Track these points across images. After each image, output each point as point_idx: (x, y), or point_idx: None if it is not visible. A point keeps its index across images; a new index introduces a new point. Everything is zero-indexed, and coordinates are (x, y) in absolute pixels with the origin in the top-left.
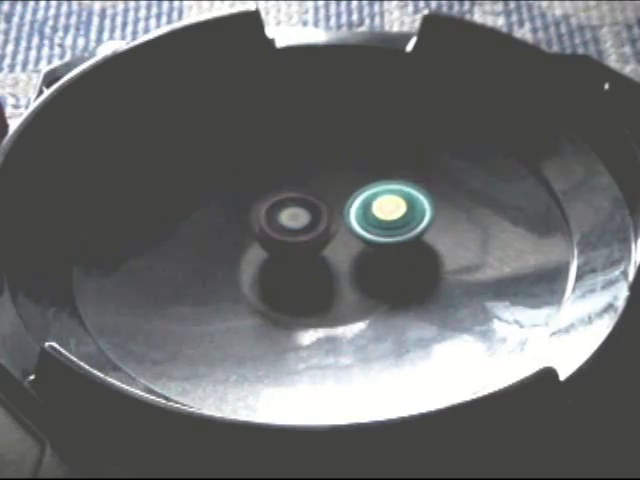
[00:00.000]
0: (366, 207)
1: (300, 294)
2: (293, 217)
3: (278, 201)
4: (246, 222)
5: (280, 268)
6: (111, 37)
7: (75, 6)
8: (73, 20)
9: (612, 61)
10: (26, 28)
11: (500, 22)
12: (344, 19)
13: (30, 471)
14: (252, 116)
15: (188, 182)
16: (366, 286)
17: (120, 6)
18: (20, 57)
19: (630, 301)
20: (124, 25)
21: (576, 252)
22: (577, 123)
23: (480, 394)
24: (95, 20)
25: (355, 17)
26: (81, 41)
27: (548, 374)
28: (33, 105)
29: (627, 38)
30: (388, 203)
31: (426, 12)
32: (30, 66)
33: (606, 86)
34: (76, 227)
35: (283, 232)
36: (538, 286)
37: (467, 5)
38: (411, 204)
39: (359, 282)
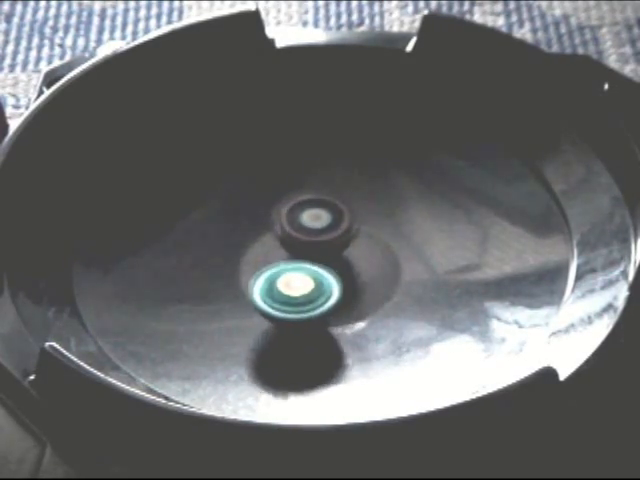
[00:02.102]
0: (272, 283)
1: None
2: (315, 217)
3: (299, 202)
4: (265, 224)
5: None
6: (111, 37)
7: (75, 6)
8: (73, 20)
9: (612, 61)
10: (26, 28)
11: (500, 22)
12: (344, 19)
13: (30, 471)
14: (252, 116)
15: (188, 182)
16: (365, 287)
17: (120, 6)
18: (20, 57)
19: (630, 301)
20: (124, 25)
21: (576, 252)
22: (577, 123)
23: (480, 394)
24: (95, 20)
25: (355, 17)
26: (81, 41)
27: (548, 374)
28: (33, 105)
29: (627, 38)
30: (295, 280)
31: (426, 12)
32: (30, 66)
33: (606, 86)
34: (76, 227)
35: (305, 232)
36: (538, 286)
37: (467, 5)
38: (318, 282)
39: (358, 285)
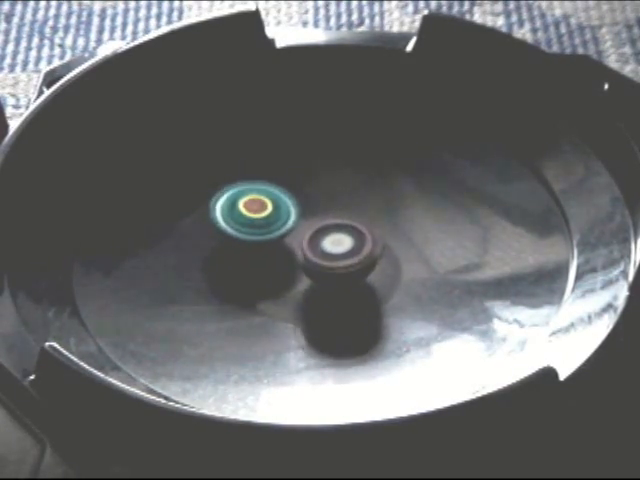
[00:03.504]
0: (232, 203)
1: (301, 294)
2: (336, 242)
3: (321, 228)
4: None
5: (280, 269)
6: (111, 37)
7: (75, 6)
8: (73, 20)
9: (612, 61)
10: (26, 28)
11: (500, 22)
12: (344, 19)
13: (30, 470)
14: (252, 116)
15: (188, 182)
16: (365, 287)
17: (120, 6)
18: (20, 57)
19: (630, 301)
20: (124, 25)
21: (576, 252)
22: (577, 123)
23: (480, 394)
24: (95, 20)
25: (355, 17)
26: (81, 41)
27: (548, 374)
28: (33, 105)
29: (627, 38)
30: (254, 202)
31: (426, 12)
32: (30, 66)
33: (606, 86)
34: (76, 227)
35: (328, 258)
36: (538, 286)
37: (467, 5)
38: (276, 205)
39: (359, 285)
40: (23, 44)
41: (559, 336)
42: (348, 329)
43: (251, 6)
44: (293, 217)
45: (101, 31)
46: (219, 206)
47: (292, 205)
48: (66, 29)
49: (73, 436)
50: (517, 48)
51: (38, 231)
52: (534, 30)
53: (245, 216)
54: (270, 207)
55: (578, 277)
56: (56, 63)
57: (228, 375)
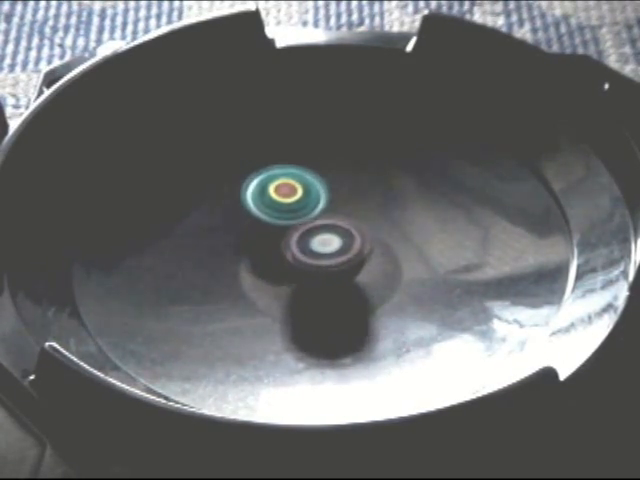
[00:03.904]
0: (263, 188)
1: (301, 294)
2: (325, 242)
3: (310, 228)
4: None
5: (280, 268)
6: (111, 37)
7: (75, 6)
8: (73, 20)
9: (612, 61)
10: (26, 28)
11: (500, 22)
12: (344, 19)
13: (30, 471)
14: (252, 116)
15: (188, 182)
16: (365, 287)
17: (120, 6)
18: (20, 57)
19: (630, 301)
20: (124, 25)
21: (576, 252)
22: (577, 123)
23: (480, 394)
24: (95, 20)
25: (355, 17)
26: (81, 41)
27: (548, 374)
28: (33, 105)
29: (627, 38)
30: (284, 186)
31: (426, 12)
32: (30, 66)
33: (606, 86)
34: (76, 227)
35: (315, 257)
36: (538, 286)
37: (467, 5)
38: (307, 189)
39: (359, 285)
40: (23, 44)
41: (559, 336)
42: (348, 329)
43: (251, 6)
44: (323, 201)
45: (101, 31)
46: (250, 190)
47: (322, 189)
48: (66, 29)
49: (73, 436)
50: (517, 48)
51: (38, 231)
52: (534, 30)
53: (275, 200)
54: (300, 191)
55: (578, 277)
56: (56, 63)
57: (228, 375)
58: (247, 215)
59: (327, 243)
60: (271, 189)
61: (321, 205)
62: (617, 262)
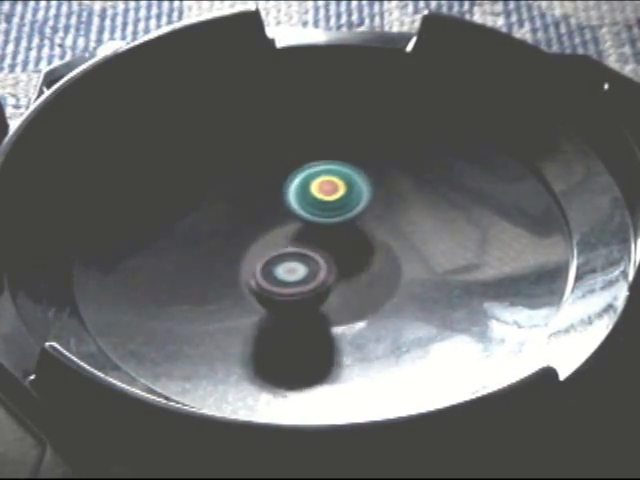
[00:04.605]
0: (305, 186)
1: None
2: (290, 271)
3: (274, 257)
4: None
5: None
6: (111, 37)
7: (75, 6)
8: (73, 20)
9: (612, 61)
10: (26, 28)
11: (500, 22)
12: (344, 19)
13: (30, 471)
14: (252, 116)
15: (188, 182)
16: (365, 287)
17: (120, 6)
18: (20, 57)
19: (629, 301)
20: (124, 25)
21: (576, 252)
22: (577, 123)
23: (479, 394)
24: (95, 20)
25: (355, 17)
26: (81, 41)
27: (548, 374)
28: (33, 105)
29: (626, 38)
30: (327, 184)
31: (426, 12)
32: (30, 66)
33: (606, 86)
34: (76, 227)
35: (280, 285)
36: (537, 286)
37: (467, 5)
38: (349, 186)
39: (358, 285)
40: (23, 44)
41: (559, 336)
42: (347, 329)
43: (251, 6)
44: (365, 198)
45: (101, 31)
46: (292, 189)
47: (365, 186)
48: (66, 29)
49: (73, 436)
50: (517, 48)
51: (38, 231)
52: (534, 30)
53: (318, 199)
54: (343, 188)
55: (578, 277)
56: (56, 63)
57: (228, 375)
58: (291, 214)
59: (292, 271)
60: (313, 187)
61: (364, 202)
62: (617, 262)
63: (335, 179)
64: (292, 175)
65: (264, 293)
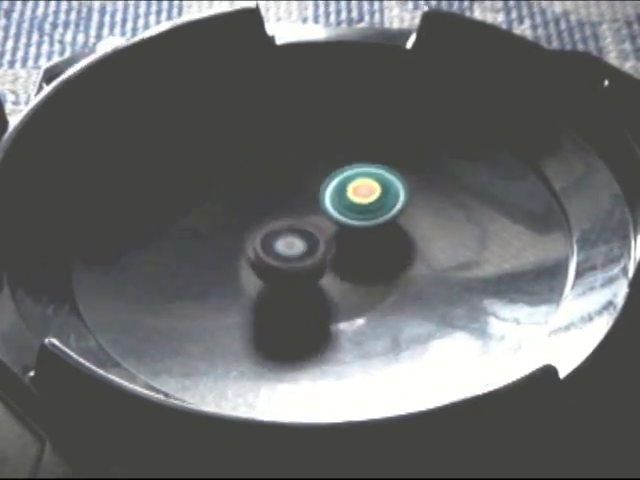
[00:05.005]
0: (341, 190)
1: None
2: (289, 245)
3: (273, 230)
4: (243, 253)
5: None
6: (111, 34)
7: (75, 3)
8: (73, 17)
9: (612, 58)
10: (26, 25)
11: (500, 19)
12: (344, 16)
13: (29, 468)
14: (252, 113)
15: (188, 179)
16: (365, 284)
17: (120, 3)
18: (20, 53)
19: (630, 298)
20: (124, 22)
21: (576, 249)
22: (577, 120)
23: (479, 391)
24: (95, 16)
25: (355, 14)
26: (81, 37)
27: (548, 371)
28: (33, 102)
29: (627, 35)
30: (363, 187)
31: (426, 9)
32: (30, 62)
33: (606, 83)
34: (76, 224)
35: (280, 259)
36: (537, 283)
37: (467, 2)
38: (385, 188)
39: (358, 282)
40: (23, 40)
41: (559, 334)
42: (347, 326)
43: (251, 3)
44: (402, 199)
45: (101, 27)
46: (328, 194)
47: (401, 187)
48: (66, 25)
49: (73, 433)
50: (517, 45)
51: (38, 228)
52: (534, 27)
53: (354, 202)
54: (379, 191)
55: (578, 275)
56: (56, 59)
57: (228, 372)
58: (328, 219)
59: (291, 246)
60: (349, 191)
61: (400, 203)
62: (617, 259)
63: (371, 181)
64: (327, 179)
65: (263, 265)
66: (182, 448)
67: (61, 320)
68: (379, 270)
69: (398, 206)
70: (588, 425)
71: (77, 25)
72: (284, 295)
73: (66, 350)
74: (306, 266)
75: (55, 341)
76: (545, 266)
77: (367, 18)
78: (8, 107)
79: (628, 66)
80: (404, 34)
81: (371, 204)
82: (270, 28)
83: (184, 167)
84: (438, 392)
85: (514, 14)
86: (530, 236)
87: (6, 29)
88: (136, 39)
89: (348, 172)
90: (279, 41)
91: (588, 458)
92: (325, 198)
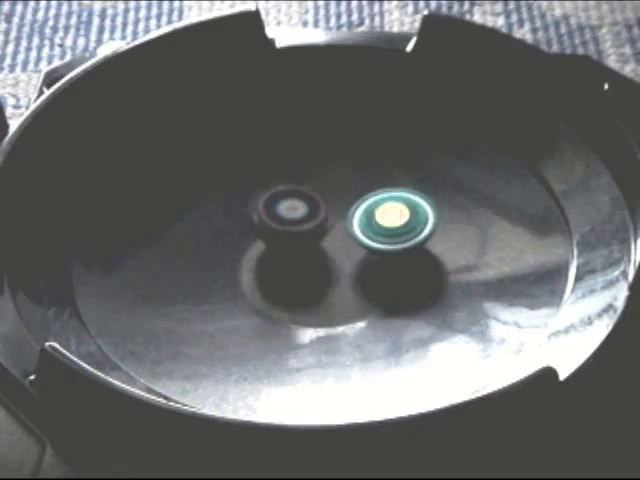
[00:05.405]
0: (369, 215)
1: (301, 294)
2: (291, 209)
3: (275, 193)
4: (245, 215)
5: (280, 267)
6: (111, 37)
7: (75, 6)
8: (73, 20)
9: (612, 61)
10: (26, 28)
11: (500, 22)
12: (344, 19)
13: (30, 471)
14: (252, 116)
15: (188, 182)
16: (366, 286)
17: (120, 6)
18: (20, 57)
19: (630, 301)
20: (124, 25)
21: (576, 252)
22: (577, 123)
23: (479, 394)
24: (95, 20)
25: (355, 17)
26: (81, 41)
27: (548, 374)
28: (33, 105)
29: (627, 38)
30: (391, 210)
31: (426, 12)
32: (30, 66)
33: (606, 86)
34: (76, 227)
35: (282, 222)
36: (537, 286)
37: (467, 5)
38: (414, 211)
39: (359, 282)
40: (23, 44)
41: (559, 337)
42: (347, 329)
43: (251, 6)
44: (432, 221)
45: (101, 31)
46: (356, 220)
47: (430, 209)
48: (66, 29)
49: (73, 436)
50: (517, 48)
51: (38, 231)
52: (534, 30)
53: (383, 226)
54: (407, 214)
55: (578, 277)
56: (56, 63)
57: (228, 375)
58: (357, 244)
59: (293, 209)
60: (378, 215)
61: (430, 225)
62: (617, 262)
63: (399, 205)
64: (355, 205)
65: (265, 228)
66: (183, 452)
67: (61, 324)
68: (378, 273)
69: (427, 229)
70: (588, 427)
71: (78, 29)
72: (285, 259)
73: (66, 354)
74: (307, 229)
75: (55, 345)
76: (545, 269)
77: (367, 22)
78: (9, 111)
79: (628, 69)
80: (404, 37)
81: (400, 228)
82: (270, 31)
83: (184, 170)
84: (438, 395)
85: (514, 17)
86: (530, 239)
87: (7, 33)
88: (136, 43)
89: (376, 197)
90: (279, 44)
91: (588, 459)
92: (353, 223)
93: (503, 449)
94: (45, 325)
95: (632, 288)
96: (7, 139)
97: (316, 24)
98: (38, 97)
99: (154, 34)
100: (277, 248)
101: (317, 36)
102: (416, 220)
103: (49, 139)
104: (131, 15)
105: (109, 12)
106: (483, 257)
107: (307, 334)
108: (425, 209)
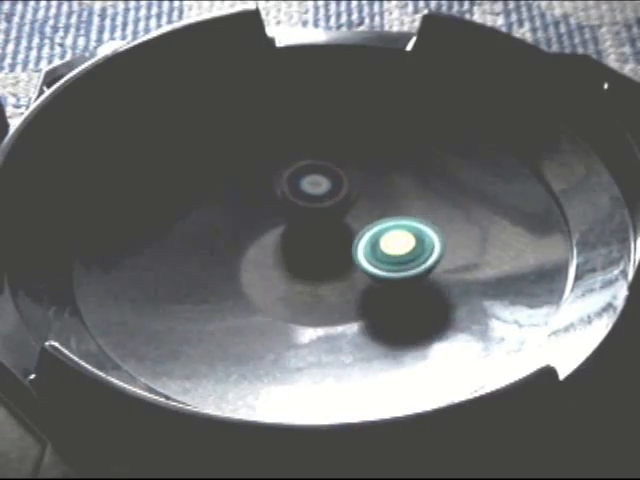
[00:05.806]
0: (374, 243)
1: (301, 295)
2: (314, 184)
3: (299, 168)
4: (273, 191)
5: (280, 266)
6: (111, 37)
7: (76, 6)
8: (74, 20)
9: (611, 61)
10: (27, 28)
11: (500, 22)
12: (344, 19)
13: (31, 470)
14: (252, 116)
15: (188, 181)
16: (366, 286)
17: (120, 6)
18: (21, 57)
19: (629, 300)
20: (124, 25)
21: (575, 251)
22: (576, 123)
23: (479, 393)
24: (96, 20)
25: (355, 17)
26: (82, 41)
27: (547, 373)
28: (34, 105)
29: (626, 38)
30: (396, 238)
31: (426, 12)
32: (31, 66)
33: (605, 86)
34: (76, 226)
35: (306, 198)
36: (537, 285)
37: (467, 5)
38: (420, 239)
39: (357, 281)
40: (23, 44)
41: (558, 336)
42: (347, 328)
43: (251, 5)
44: (438, 248)
45: (101, 31)
46: (361, 248)
47: (436, 236)
48: (66, 29)
49: (73, 435)
50: (517, 48)
51: (38, 231)
52: (534, 29)
53: (388, 254)
54: (413, 242)
55: (578, 277)
56: (56, 62)
57: (228, 374)
58: (362, 272)
59: (317, 184)
60: (382, 243)
61: (436, 253)
62: (616, 262)
63: (404, 233)
64: (360, 234)
65: (289, 202)
66: (183, 451)
67: (62, 323)
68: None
69: (435, 255)
70: (588, 426)
71: (78, 28)
72: (309, 234)
73: (67, 353)
74: (330, 205)
75: (56, 344)
76: (545, 268)
77: (367, 21)
78: (9, 110)
79: (628, 69)
80: (404, 37)
81: (406, 255)
82: (270, 31)
83: (184, 169)
84: (438, 394)
85: (514, 17)
86: (530, 238)
87: (7, 32)
88: (137, 42)
89: (381, 225)
90: (279, 44)
91: (588, 459)
92: (358, 253)
93: (503, 448)
94: (45, 324)
95: (631, 287)
96: (7, 139)
97: (316, 24)
98: (38, 96)
99: (154, 34)
100: (302, 224)
101: (317, 36)
102: (422, 247)
103: (49, 139)
104: (131, 14)
105: (109, 11)
106: (483, 256)
107: (307, 333)
108: (430, 236)
